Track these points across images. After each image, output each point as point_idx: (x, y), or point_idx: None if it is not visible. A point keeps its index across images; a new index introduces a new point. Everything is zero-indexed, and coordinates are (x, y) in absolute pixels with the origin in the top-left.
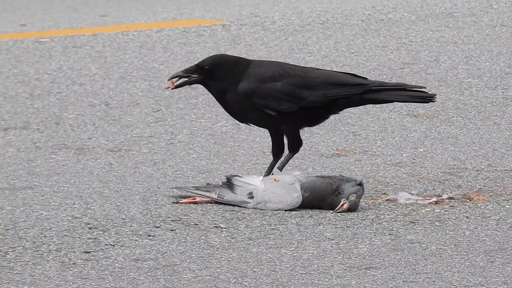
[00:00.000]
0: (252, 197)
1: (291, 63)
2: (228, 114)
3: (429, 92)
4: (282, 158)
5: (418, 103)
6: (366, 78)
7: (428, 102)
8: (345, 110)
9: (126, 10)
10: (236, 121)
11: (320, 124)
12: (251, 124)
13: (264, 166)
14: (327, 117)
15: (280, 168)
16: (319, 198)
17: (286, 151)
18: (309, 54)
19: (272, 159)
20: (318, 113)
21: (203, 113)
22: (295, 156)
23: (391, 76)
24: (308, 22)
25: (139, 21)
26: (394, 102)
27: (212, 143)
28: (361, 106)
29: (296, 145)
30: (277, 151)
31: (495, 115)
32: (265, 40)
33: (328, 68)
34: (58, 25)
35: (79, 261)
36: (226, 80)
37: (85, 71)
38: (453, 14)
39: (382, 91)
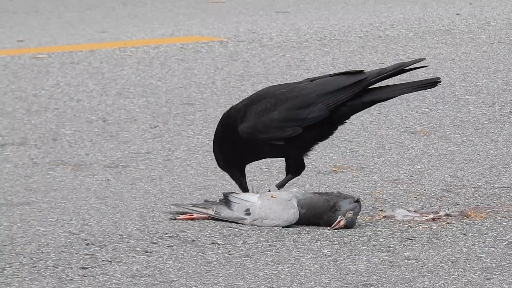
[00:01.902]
0: (249, 214)
1: (288, 80)
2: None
3: (433, 77)
4: (283, 178)
5: (425, 89)
6: (362, 71)
7: (434, 86)
8: (342, 126)
9: (123, 26)
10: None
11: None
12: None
13: (261, 182)
14: (335, 128)
15: (279, 187)
16: (316, 214)
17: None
18: (306, 70)
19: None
20: (323, 127)
21: (201, 130)
22: None
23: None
24: (305, 39)
25: (137, 38)
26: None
27: (209, 159)
28: (359, 123)
29: (299, 168)
30: (296, 169)
31: (493, 132)
32: (263, 57)
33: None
34: (55, 41)
35: (76, 277)
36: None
37: (82, 87)
38: (450, 31)
39: (383, 80)
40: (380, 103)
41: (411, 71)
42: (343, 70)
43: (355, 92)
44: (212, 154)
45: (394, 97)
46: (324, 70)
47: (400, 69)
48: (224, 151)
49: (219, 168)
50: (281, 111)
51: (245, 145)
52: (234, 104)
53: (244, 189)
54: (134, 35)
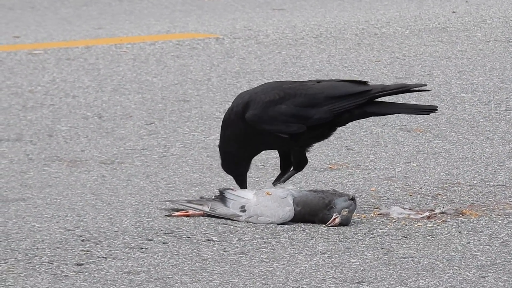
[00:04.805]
0: (244, 211)
1: (284, 76)
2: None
3: (430, 105)
4: (286, 174)
5: (422, 114)
6: (367, 83)
7: (429, 114)
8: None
9: (119, 23)
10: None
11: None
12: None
13: (256, 179)
14: (334, 130)
15: (282, 183)
16: (311, 212)
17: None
18: (302, 68)
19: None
20: (325, 129)
21: (196, 126)
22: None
23: None
24: (301, 36)
25: (133, 34)
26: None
27: (205, 156)
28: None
29: (302, 163)
30: (298, 164)
31: (488, 130)
32: (259, 54)
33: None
34: (51, 37)
35: (71, 273)
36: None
37: (78, 83)
38: (446, 29)
39: (385, 96)
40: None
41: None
42: (348, 78)
43: (360, 103)
44: (207, 150)
45: (393, 114)
46: (320, 68)
47: (402, 90)
48: (234, 150)
49: (220, 167)
50: (289, 106)
51: (249, 136)
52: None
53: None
54: (130, 32)
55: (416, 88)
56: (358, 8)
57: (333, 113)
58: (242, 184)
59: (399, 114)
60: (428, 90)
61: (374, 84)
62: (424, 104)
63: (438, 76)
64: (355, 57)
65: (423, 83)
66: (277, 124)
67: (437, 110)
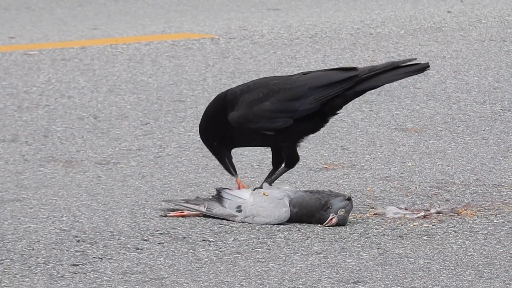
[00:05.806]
0: (240, 211)
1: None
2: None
3: (422, 62)
4: (276, 171)
5: (414, 75)
6: (355, 68)
7: (423, 72)
8: (333, 123)
9: (115, 23)
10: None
11: (316, 134)
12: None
13: (252, 179)
14: (326, 121)
15: (272, 180)
16: (308, 213)
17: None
18: (297, 67)
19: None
20: (314, 120)
21: (192, 126)
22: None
23: (380, 90)
24: (296, 36)
25: (128, 34)
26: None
27: (200, 156)
28: (350, 120)
29: (293, 160)
30: (290, 162)
31: (483, 130)
32: (254, 54)
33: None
34: (47, 38)
35: (67, 274)
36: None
37: (73, 84)
38: (441, 28)
39: (374, 77)
40: (371, 102)
41: None
42: (336, 66)
43: (346, 88)
44: (203, 151)
45: (385, 84)
46: (315, 67)
47: (391, 68)
48: (214, 131)
49: (208, 150)
50: (273, 102)
51: (235, 132)
52: (232, 87)
53: (232, 173)
54: (125, 32)
55: (406, 64)
56: (353, 8)
57: (319, 102)
58: (224, 164)
59: (396, 113)
60: (424, 67)
61: (362, 67)
62: (414, 63)
63: (433, 76)
64: (350, 57)
65: (412, 58)
66: (262, 122)
67: (429, 67)
